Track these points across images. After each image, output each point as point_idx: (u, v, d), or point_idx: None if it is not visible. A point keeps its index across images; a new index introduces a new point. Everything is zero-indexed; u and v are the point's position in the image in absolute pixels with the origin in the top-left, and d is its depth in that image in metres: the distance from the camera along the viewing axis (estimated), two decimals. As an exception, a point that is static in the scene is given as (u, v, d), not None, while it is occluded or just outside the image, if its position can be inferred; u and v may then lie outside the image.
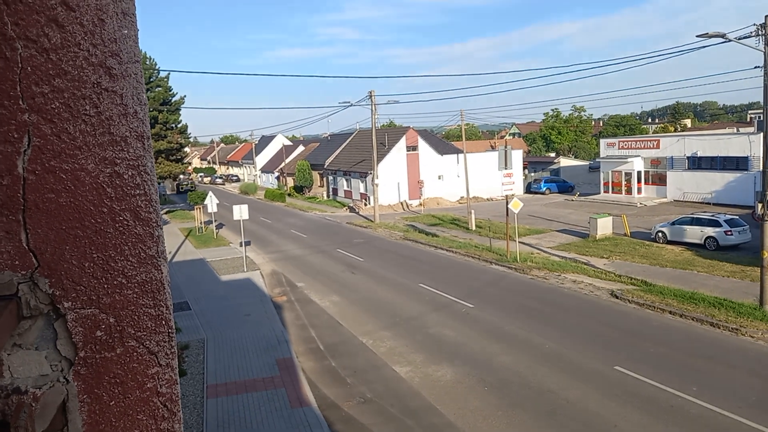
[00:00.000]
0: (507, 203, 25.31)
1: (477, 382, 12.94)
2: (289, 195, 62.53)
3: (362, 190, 50.72)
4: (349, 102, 40.84)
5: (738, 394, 11.60)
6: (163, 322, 0.90)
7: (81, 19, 0.80)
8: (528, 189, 55.41)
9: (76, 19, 0.79)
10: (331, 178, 59.83)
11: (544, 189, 54.88)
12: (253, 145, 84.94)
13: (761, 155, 18.39)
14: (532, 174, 63.84)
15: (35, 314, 0.82)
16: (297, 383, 13.39)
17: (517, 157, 48.57)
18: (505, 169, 26.30)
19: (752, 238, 24.28)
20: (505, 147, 27.90)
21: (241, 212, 25.61)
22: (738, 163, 39.61)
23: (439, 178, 50.04)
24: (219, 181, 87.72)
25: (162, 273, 0.90)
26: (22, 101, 0.79)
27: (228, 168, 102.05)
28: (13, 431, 0.71)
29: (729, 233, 25.65)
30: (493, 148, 68.77)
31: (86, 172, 0.82)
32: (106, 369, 0.85)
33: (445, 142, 60.66)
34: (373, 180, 42.57)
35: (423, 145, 50.34)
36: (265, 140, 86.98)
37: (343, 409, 12.08)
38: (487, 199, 49.60)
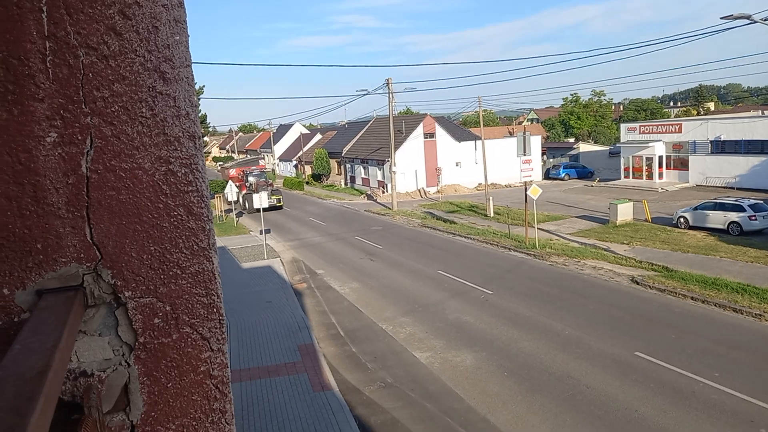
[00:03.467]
0: (526, 189, 25.16)
1: (497, 368, 13.01)
2: (307, 183, 62.83)
3: (380, 178, 50.75)
4: (366, 90, 40.79)
5: (761, 379, 11.50)
6: (215, 310, 0.97)
7: (137, 27, 0.85)
8: (547, 175, 54.96)
9: (132, 27, 0.85)
10: (348, 165, 59.91)
11: (563, 175, 54.38)
12: (271, 134, 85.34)
13: (787, 138, 17.99)
14: (551, 160, 63.23)
15: (98, 303, 0.88)
16: (318, 368, 13.58)
17: (536, 143, 48.15)
18: (524, 155, 26.10)
19: (777, 223, 23.82)
20: (524, 133, 27.67)
21: (261, 201, 25.85)
22: (763, 147, 38.78)
23: (457, 165, 49.84)
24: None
25: (213, 264, 0.97)
26: (85, 105, 0.84)
27: (246, 156, 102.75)
28: (86, 410, 0.78)
29: (753, 218, 25.21)
30: (511, 135, 68.22)
31: (143, 170, 0.88)
32: (163, 353, 0.92)
33: (462, 128, 60.34)
34: (390, 167, 42.57)
35: (440, 132, 50.12)
36: (283, 129, 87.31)
37: (364, 394, 12.25)
38: (506, 185, 49.32)
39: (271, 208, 40.46)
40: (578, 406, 11.00)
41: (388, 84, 39.52)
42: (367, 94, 42.27)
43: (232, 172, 48.81)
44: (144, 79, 0.87)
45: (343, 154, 59.97)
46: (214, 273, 0.96)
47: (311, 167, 66.10)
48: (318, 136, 76.35)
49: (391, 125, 41.34)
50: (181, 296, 0.92)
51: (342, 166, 61.78)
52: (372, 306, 18.35)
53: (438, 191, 46.79)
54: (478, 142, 47.53)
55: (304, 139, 76.35)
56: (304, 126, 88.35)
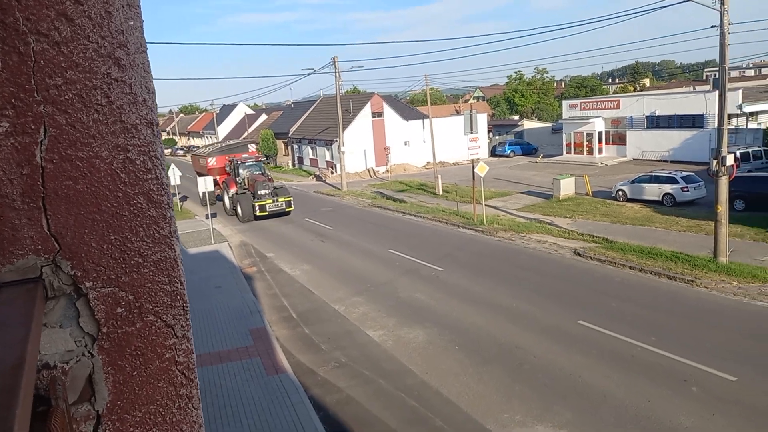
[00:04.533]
0: (473, 167, 25.59)
1: (448, 343, 13.33)
2: (253, 165, 61.66)
3: (328, 158, 50.41)
4: (312, 69, 40.15)
5: (694, 341, 12.28)
6: (178, 297, 0.97)
7: (89, 12, 0.83)
8: (493, 152, 55.98)
9: (84, 13, 0.82)
10: (296, 146, 59.13)
11: (509, 152, 55.54)
12: (214, 115, 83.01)
13: (716, 113, 18.98)
14: (497, 137, 64.39)
15: (58, 295, 0.87)
16: (272, 351, 13.54)
17: (482, 120, 48.86)
18: (471, 133, 26.50)
19: (707, 194, 25.27)
20: (471, 111, 28.05)
21: (206, 184, 25.25)
22: (694, 121, 40.76)
23: (406, 144, 50.06)
24: (180, 152, 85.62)
25: (175, 251, 0.97)
26: (37, 93, 0.82)
27: (189, 139, 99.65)
28: (54, 402, 0.77)
29: (685, 189, 26.63)
30: (458, 113, 68.87)
31: (101, 159, 0.87)
32: (127, 342, 0.91)
33: (410, 107, 60.48)
34: (339, 147, 42.33)
35: (388, 111, 50.10)
36: (227, 109, 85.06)
37: (318, 374, 12.32)
38: (454, 163, 49.96)
39: (277, 214, 29.51)
40: (526, 376, 11.45)
41: (334, 63, 39.07)
42: (313, 73, 41.57)
43: (212, 161, 34.44)
44: (98, 66, 0.85)
45: (290, 135, 59.11)
46: (177, 260, 0.97)
47: (257, 148, 64.77)
48: (263, 117, 74.84)
49: (338, 104, 41.00)
50: (144, 285, 0.92)
51: (289, 147, 60.92)
52: (324, 287, 18.37)
53: (387, 171, 46.93)
54: (426, 121, 47.79)
55: (249, 119, 74.68)
56: (248, 106, 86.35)
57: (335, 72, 39.15)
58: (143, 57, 0.91)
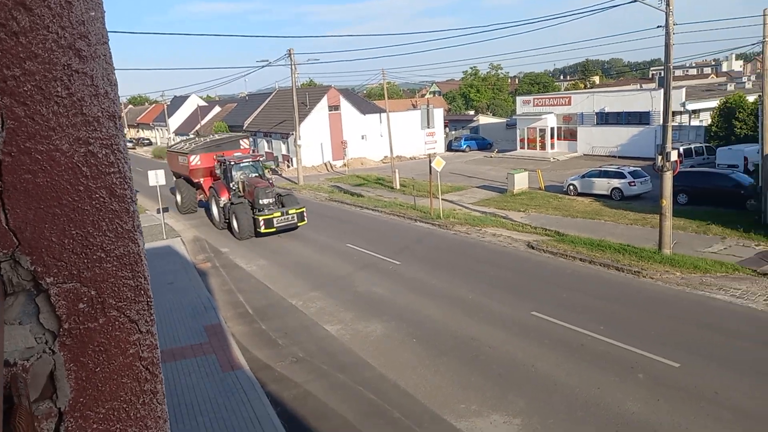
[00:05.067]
0: (430, 161, 25.82)
1: (406, 336, 13.46)
2: (207, 158, 60.34)
3: (284, 152, 49.86)
4: (267, 61, 39.54)
5: (640, 330, 12.80)
6: (142, 292, 0.96)
7: (48, 2, 0.81)
8: (449, 147, 56.60)
9: (43, 3, 0.80)
10: (251, 139, 58.14)
11: (465, 147, 56.27)
12: (165, 107, 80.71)
13: (661, 110, 19.75)
14: (453, 132, 65.08)
15: (17, 291, 0.85)
16: (227, 348, 13.35)
17: (439, 115, 49.36)
18: (428, 127, 26.71)
19: (653, 188, 26.31)
20: (427, 106, 28.26)
21: (156, 177, 24.52)
22: (641, 118, 42.29)
23: (363, 137, 50.02)
24: (129, 144, 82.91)
25: (139, 246, 0.95)
26: (-6, 85, 0.79)
27: (138, 131, 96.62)
28: (16, 400, 0.76)
29: (632, 184, 27.66)
30: (414, 107, 69.21)
31: (61, 152, 0.85)
32: (90, 338, 0.90)
33: (367, 101, 60.41)
34: (295, 141, 41.91)
35: (345, 105, 49.91)
36: (178, 101, 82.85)
37: (275, 370, 12.23)
38: (411, 158, 50.25)
39: (287, 228, 23.55)
40: (482, 367, 11.69)
41: (290, 55, 38.61)
42: (268, 65, 40.99)
43: (196, 161, 27.73)
44: (58, 57, 0.83)
45: (244, 128, 58.08)
46: (140, 255, 0.95)
47: (184, 140, 63.36)
48: (217, 109, 73.31)
49: (294, 97, 40.56)
50: (107, 280, 0.91)
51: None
52: (281, 282, 18.21)
53: (344, 164, 46.81)
54: (383, 115, 47.85)
55: (201, 111, 73.00)
56: (201, 98, 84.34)
57: (291, 64, 38.71)
58: (105, 48, 0.89)
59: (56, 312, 0.87)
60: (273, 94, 58.96)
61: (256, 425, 9.88)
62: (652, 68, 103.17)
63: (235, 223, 23.60)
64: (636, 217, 23.59)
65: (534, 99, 51.24)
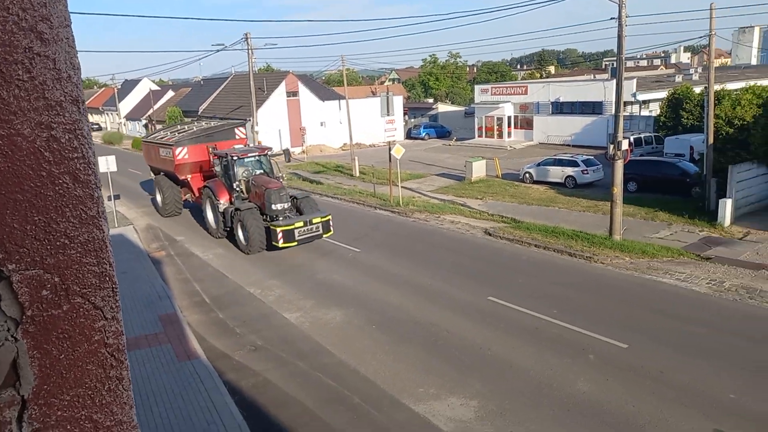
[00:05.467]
0: (389, 149, 25.87)
1: (366, 322, 13.55)
2: (161, 144, 58.68)
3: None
4: (223, 45, 38.55)
5: (591, 313, 13.27)
6: (107, 279, 0.95)
7: (8, -17, 0.79)
8: (408, 135, 56.77)
9: (3, -17, 0.78)
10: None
11: (424, 134, 56.56)
12: (116, 90, 77.88)
13: (613, 100, 20.34)
14: (412, 120, 65.29)
15: (-23, 278, 0.83)
16: (183, 337, 13.15)
17: (398, 103, 49.40)
18: (387, 115, 26.71)
19: (604, 176, 27.12)
20: (387, 93, 28.23)
21: (108, 164, 23.69)
22: (594, 108, 43.40)
23: (322, 124, 49.61)
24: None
25: (103, 232, 0.94)
26: (-50, 67, 0.77)
27: (88, 115, 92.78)
28: None
29: (585, 172, 28.45)
30: (374, 94, 69.07)
31: (23, 137, 0.83)
32: (54, 326, 0.89)
33: (326, 87, 59.87)
34: (252, 127, 41.19)
35: (304, 91, 49.34)
36: (129, 85, 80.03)
37: (233, 359, 12.13)
38: (370, 145, 50.18)
39: (307, 239, 18.95)
40: (441, 351, 11.90)
41: (246, 39, 37.80)
42: (223, 50, 39.99)
43: (183, 154, 22.81)
44: (19, 40, 0.81)
45: (199, 113, 56.73)
46: (105, 241, 0.95)
47: (164, 127, 61.67)
48: (170, 93, 71.18)
49: (251, 82, 39.81)
50: (71, 266, 0.90)
51: (200, 126, 58.43)
52: (238, 271, 18.00)
53: (303, 151, 46.36)
54: (342, 102, 47.55)
55: (154, 96, 70.73)
56: (153, 82, 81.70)
57: (248, 49, 37.92)
58: (68, 31, 0.87)
59: (18, 299, 0.86)
60: (229, 79, 57.72)
61: (213, 414, 9.80)
62: (605, 59, 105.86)
63: (240, 233, 19.04)
64: (588, 204, 24.31)
65: (492, 88, 51.86)
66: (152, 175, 26.85)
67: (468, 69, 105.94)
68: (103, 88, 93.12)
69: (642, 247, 17.79)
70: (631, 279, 15.63)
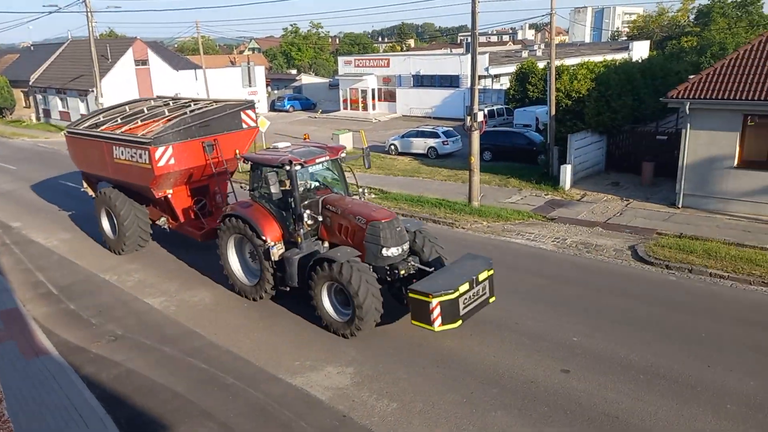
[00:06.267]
0: (252, 121, 24.93)
1: (236, 301, 13.15)
2: (-16, 118, 51.40)
3: (83, 111, 44.41)
4: (56, 6, 34.36)
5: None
6: None
7: None
8: (272, 107, 55.31)
9: None
10: (40, 97, 50.84)
11: (288, 107, 55.46)
12: None
13: (469, 74, 21.41)
14: (276, 91, 63.62)
15: None
16: (28, 333, 11.83)
17: (260, 73, 47.69)
18: (249, 86, 25.77)
19: (462, 147, 28.67)
20: (248, 63, 27.17)
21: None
22: (452, 81, 45.38)
23: (177, 96, 46.54)
24: None
25: None
26: None
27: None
28: None
29: (446, 143, 29.87)
30: (233, 64, 66.07)
31: None
32: None
33: (180, 56, 56.05)
34: (96, 99, 37.49)
35: (155, 59, 45.78)
36: (-61, 48, 68.56)
37: (90, 351, 11.17)
38: (231, 117, 48.08)
39: (472, 311, 10.79)
40: (314, 322, 11.90)
41: (84, 0, 33.99)
42: (58, 11, 35.63)
43: (165, 156, 14.06)
44: None
45: (31, 83, 50.49)
46: None
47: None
48: (-6, 60, 62.20)
49: (93, 49, 36.06)
50: None
51: (31, 98, 52.12)
52: (90, 257, 16.50)
53: (157, 125, 43.19)
54: (199, 71, 44.96)
55: (-27, 63, 61.37)
56: (-29, 46, 70.77)
57: (87, 11, 34.16)
58: None
59: None
60: (65, 44, 51.83)
61: (72, 412, 8.99)
62: (460, 34, 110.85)
63: (326, 300, 11.31)
64: (449, 173, 25.58)
65: (355, 60, 52.02)
66: (88, 188, 17.84)
67: (330, 40, 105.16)
68: None
69: (497, 212, 19.17)
70: (488, 241, 16.79)
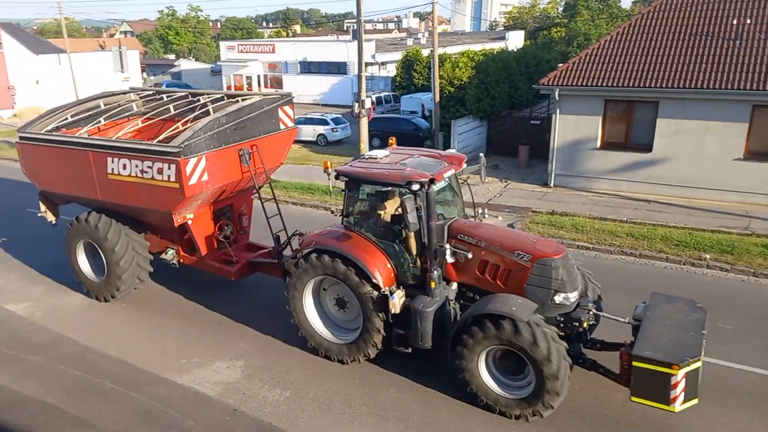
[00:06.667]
0: (126, 109, 23.31)
1: (113, 302, 12.26)
2: None
3: (-76, 99, 39.13)
4: None
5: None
6: None
7: None
8: (150, 94, 51.96)
9: None
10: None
11: (167, 94, 52.33)
12: None
13: (357, 61, 21.44)
14: (152, 77, 59.93)
15: None
16: None
17: (134, 58, 44.49)
18: (122, 72, 24.00)
19: (352, 133, 28.77)
20: (120, 47, 25.29)
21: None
22: (339, 68, 45.30)
23: (37, 83, 42.31)
24: None
25: None
26: None
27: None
28: None
29: (335, 130, 29.84)
30: (103, 48, 61.25)
31: None
32: None
33: (40, 39, 50.96)
34: (-61, 85, 33.13)
35: (11, 42, 41.27)
36: None
37: (-59, 369, 9.92)
38: (104, 105, 44.62)
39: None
40: (200, 319, 11.44)
41: None
42: None
43: (197, 172, 10.27)
44: None
45: None
46: None
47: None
48: None
49: (-69, 29, 31.67)
50: None
51: None
52: (-63, 261, 14.60)
53: (15, 115, 39.14)
54: (63, 56, 41.11)
55: None
56: None
57: None
58: None
59: None
60: None
61: None
62: (346, 21, 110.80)
63: (486, 374, 8.29)
64: (340, 160, 25.49)
65: (239, 45, 50.29)
66: (47, 212, 13.43)
67: (212, 24, 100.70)
68: None
69: (387, 196, 19.46)
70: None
